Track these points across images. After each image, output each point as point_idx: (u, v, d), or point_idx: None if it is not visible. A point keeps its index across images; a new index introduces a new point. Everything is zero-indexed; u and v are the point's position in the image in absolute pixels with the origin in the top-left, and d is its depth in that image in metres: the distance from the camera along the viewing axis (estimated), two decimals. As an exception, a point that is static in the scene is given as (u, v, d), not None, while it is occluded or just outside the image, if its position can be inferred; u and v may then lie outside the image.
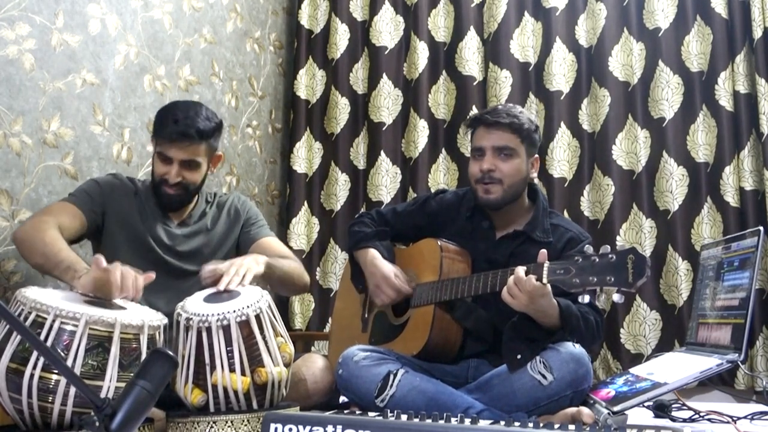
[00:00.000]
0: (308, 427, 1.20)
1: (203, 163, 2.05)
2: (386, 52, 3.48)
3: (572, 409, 1.78)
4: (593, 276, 1.67)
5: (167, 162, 2.01)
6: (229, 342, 1.55)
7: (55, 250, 1.69)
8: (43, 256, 1.70)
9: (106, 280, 1.55)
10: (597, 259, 1.68)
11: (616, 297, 1.65)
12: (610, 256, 1.67)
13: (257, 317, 1.59)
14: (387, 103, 3.45)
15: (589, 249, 1.72)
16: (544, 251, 1.80)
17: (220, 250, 2.15)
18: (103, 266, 1.54)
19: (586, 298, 1.69)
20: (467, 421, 1.25)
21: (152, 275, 1.64)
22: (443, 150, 3.37)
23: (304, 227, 3.47)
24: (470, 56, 3.35)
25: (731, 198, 2.96)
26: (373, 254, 2.21)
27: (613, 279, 1.65)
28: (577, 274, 1.70)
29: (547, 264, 1.76)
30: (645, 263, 1.63)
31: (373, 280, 2.18)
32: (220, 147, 2.17)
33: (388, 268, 2.16)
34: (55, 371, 1.36)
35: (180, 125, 1.96)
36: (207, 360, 1.56)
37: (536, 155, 2.14)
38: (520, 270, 1.78)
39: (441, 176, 3.35)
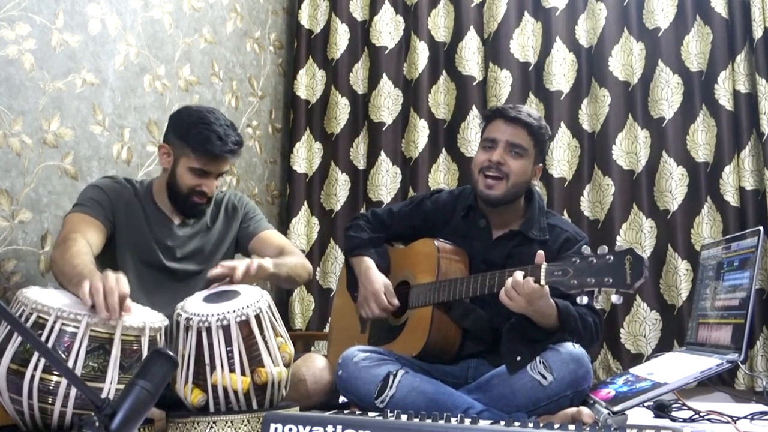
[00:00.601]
0: (308, 427, 1.20)
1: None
2: (386, 52, 3.48)
3: (572, 409, 1.78)
4: (591, 277, 1.67)
5: (204, 176, 2.00)
6: (229, 342, 1.55)
7: (71, 265, 1.68)
8: (62, 274, 1.69)
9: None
10: (594, 260, 1.67)
11: (615, 298, 1.65)
12: (607, 257, 1.66)
13: (257, 317, 1.59)
14: (387, 103, 3.45)
15: (586, 249, 1.71)
16: (541, 252, 1.79)
17: (221, 248, 2.15)
18: (90, 304, 1.47)
19: (585, 300, 1.69)
20: (467, 421, 1.25)
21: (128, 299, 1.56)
22: (443, 150, 3.37)
23: (304, 227, 3.48)
24: (470, 56, 3.35)
25: (731, 198, 2.96)
26: (368, 264, 2.20)
27: (611, 280, 1.64)
28: (574, 275, 1.70)
29: (544, 266, 1.76)
30: (643, 264, 1.61)
31: (363, 292, 2.18)
32: None
33: (379, 284, 2.15)
34: (56, 373, 1.36)
35: (226, 143, 1.96)
36: (207, 360, 1.56)
37: (541, 164, 2.14)
38: (518, 273, 1.78)
39: (441, 176, 3.35)
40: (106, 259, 1.96)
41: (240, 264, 1.79)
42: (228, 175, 3.11)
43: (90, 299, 1.46)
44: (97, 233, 1.90)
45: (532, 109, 2.15)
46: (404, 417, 1.24)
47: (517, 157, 2.04)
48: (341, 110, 3.51)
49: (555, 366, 1.81)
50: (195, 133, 1.96)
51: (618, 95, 3.15)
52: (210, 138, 1.95)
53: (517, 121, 2.04)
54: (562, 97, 3.22)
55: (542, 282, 1.75)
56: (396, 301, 2.14)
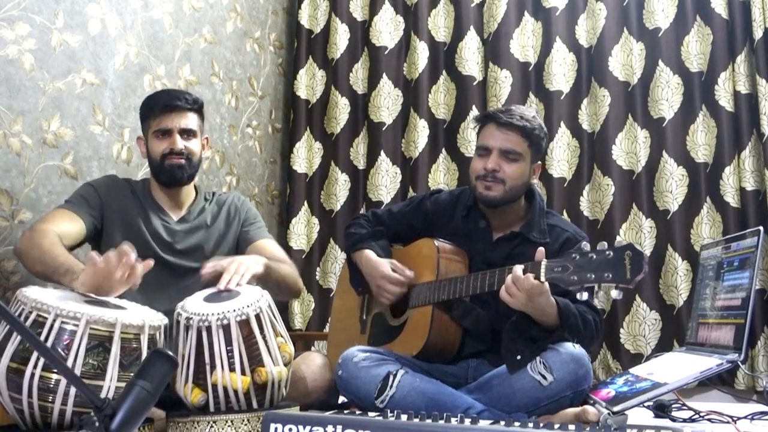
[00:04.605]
0: (308, 427, 1.19)
1: (198, 133, 2.10)
2: (386, 52, 3.48)
3: (576, 409, 1.78)
4: (591, 273, 1.67)
5: (167, 135, 2.05)
6: (229, 341, 1.55)
7: (52, 256, 1.69)
8: (42, 264, 1.70)
9: (105, 271, 1.54)
10: (594, 256, 1.68)
11: (615, 293, 1.65)
12: (607, 252, 1.66)
13: (257, 317, 1.59)
14: (387, 103, 3.45)
15: (586, 246, 1.72)
16: (541, 249, 1.80)
17: (221, 247, 2.14)
18: (98, 261, 1.53)
19: (585, 295, 1.69)
20: (467, 421, 1.25)
21: (150, 262, 1.63)
22: (443, 150, 3.37)
23: (304, 227, 3.48)
24: (470, 56, 3.35)
25: (731, 198, 2.96)
26: (368, 254, 2.20)
27: (610, 275, 1.64)
28: (574, 271, 1.70)
29: (544, 262, 1.76)
30: (642, 259, 1.62)
31: (373, 281, 2.18)
32: (208, 133, 2.27)
33: (383, 265, 2.15)
34: (56, 370, 1.36)
35: (170, 97, 2.06)
36: (207, 359, 1.56)
37: (539, 162, 2.13)
38: (518, 268, 1.78)
39: (441, 176, 3.35)
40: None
41: (228, 265, 1.79)
42: (228, 175, 3.11)
43: (113, 261, 1.52)
44: (73, 226, 1.92)
45: (526, 108, 2.13)
46: (404, 417, 1.24)
47: (511, 162, 2.03)
48: (341, 110, 3.51)
49: (555, 366, 1.81)
50: (149, 98, 2.11)
51: (618, 95, 3.15)
52: (160, 95, 2.10)
53: (509, 126, 2.03)
54: (562, 97, 3.22)
55: (542, 278, 1.75)
56: (409, 272, 2.13)
